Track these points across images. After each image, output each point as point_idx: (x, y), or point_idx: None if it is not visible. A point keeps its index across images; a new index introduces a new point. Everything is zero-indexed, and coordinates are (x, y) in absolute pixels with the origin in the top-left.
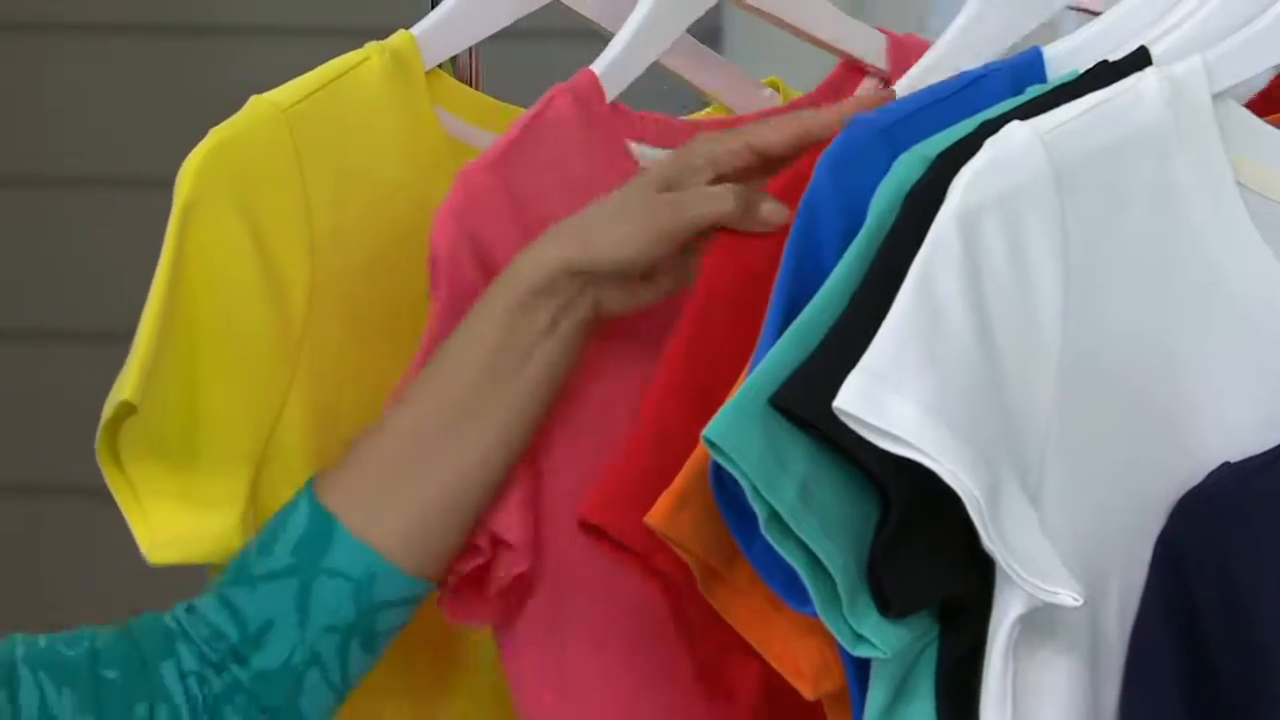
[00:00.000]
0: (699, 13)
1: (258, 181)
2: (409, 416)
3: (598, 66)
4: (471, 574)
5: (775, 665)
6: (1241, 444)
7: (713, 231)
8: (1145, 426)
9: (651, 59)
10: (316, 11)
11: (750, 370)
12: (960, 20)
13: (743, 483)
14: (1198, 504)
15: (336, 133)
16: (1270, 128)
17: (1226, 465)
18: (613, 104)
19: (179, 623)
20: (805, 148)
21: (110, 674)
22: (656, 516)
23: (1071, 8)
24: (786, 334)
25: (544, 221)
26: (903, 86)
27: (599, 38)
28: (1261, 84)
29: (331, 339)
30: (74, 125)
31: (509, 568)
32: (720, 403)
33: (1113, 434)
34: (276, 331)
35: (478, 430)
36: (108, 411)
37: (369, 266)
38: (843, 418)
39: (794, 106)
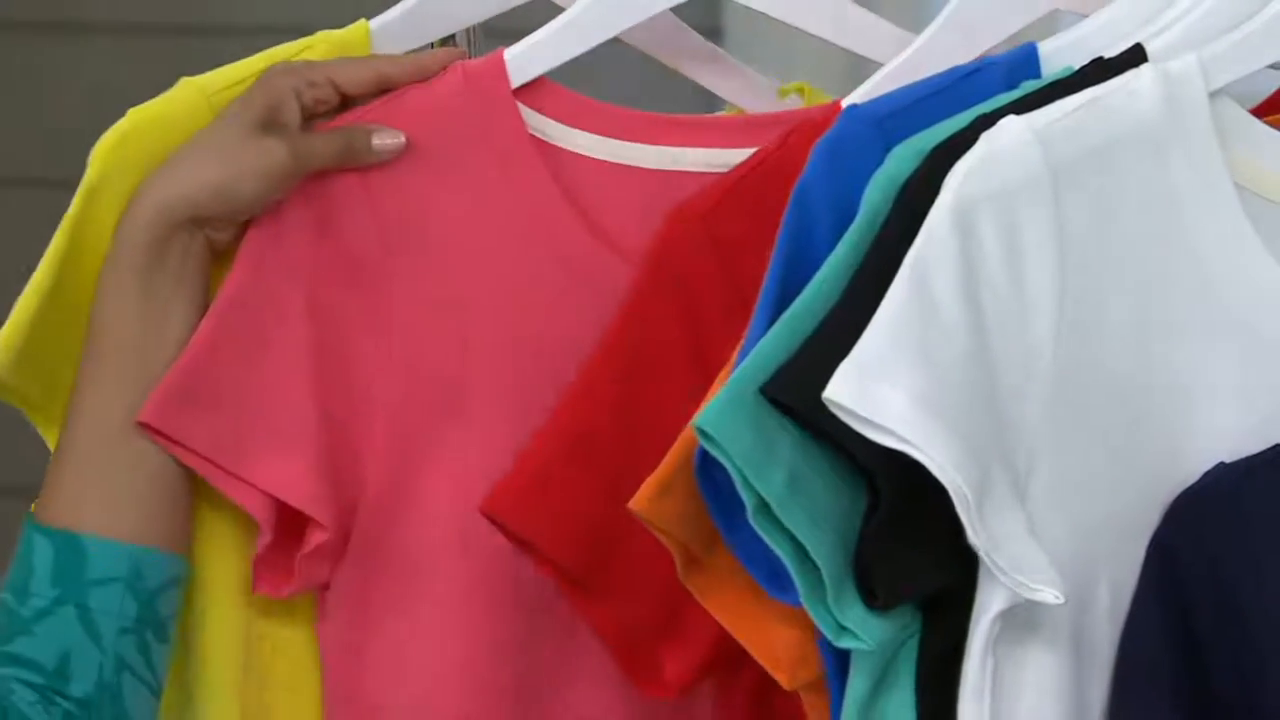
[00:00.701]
0: (641, 17)
1: None
2: (90, 414)
3: (511, 50)
4: (279, 544)
5: (753, 653)
6: (1237, 445)
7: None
8: (1139, 426)
9: (577, 52)
10: (323, 12)
11: (740, 360)
12: (934, 25)
13: (732, 471)
14: (1193, 504)
15: None
16: (1269, 128)
17: (1222, 465)
18: (529, 84)
19: None
20: (382, 89)
21: None
22: (640, 502)
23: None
24: (778, 324)
25: (387, 187)
26: (865, 89)
27: None
28: (1267, 90)
29: None
30: (77, 126)
31: (312, 537)
32: (651, 409)
33: (1106, 433)
34: None
35: None
36: None
37: None
38: (832, 408)
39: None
